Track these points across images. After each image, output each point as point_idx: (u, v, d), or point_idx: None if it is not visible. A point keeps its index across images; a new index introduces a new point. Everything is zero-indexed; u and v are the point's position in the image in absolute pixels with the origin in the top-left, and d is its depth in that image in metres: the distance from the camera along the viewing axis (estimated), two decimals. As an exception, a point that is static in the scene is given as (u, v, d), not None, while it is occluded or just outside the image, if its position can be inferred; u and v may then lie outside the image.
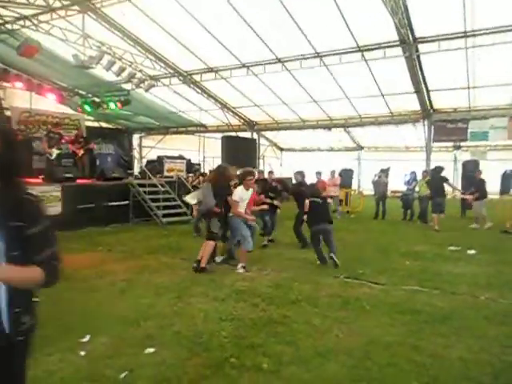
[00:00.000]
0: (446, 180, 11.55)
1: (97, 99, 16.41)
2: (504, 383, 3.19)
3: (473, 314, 4.75)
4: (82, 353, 3.65)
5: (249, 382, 3.19)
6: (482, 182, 11.68)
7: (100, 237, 9.69)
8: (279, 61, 13.47)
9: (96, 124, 19.83)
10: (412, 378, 3.26)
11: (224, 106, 18.49)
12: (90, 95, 17.34)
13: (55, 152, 11.23)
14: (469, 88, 13.41)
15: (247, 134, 20.46)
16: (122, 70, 13.28)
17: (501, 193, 15.31)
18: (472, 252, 8.29)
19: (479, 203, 11.54)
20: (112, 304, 4.94)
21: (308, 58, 13.03)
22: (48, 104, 15.75)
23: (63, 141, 12.60)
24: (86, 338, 3.93)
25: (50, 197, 9.92)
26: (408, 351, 3.73)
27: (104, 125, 20.59)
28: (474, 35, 10.61)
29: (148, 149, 24.11)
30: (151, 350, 3.69)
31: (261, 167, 19.09)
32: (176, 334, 4.08)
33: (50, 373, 3.28)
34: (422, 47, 11.58)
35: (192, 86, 16.25)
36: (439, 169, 11.61)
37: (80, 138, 13.52)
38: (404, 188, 13.88)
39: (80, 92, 17.63)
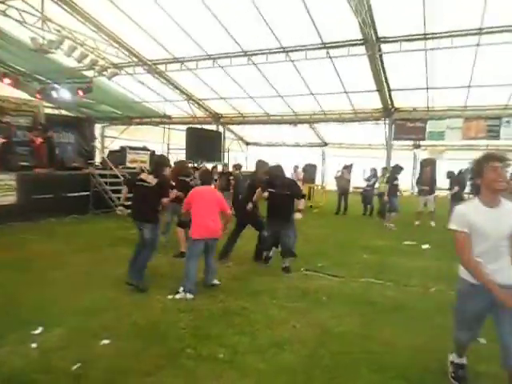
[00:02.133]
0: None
1: (57, 86, 15.84)
2: (448, 369, 3.37)
3: (423, 304, 4.98)
4: (34, 345, 3.57)
5: (204, 371, 3.23)
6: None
7: (58, 228, 9.43)
8: (245, 54, 13.45)
9: (56, 111, 19.11)
10: (363, 366, 3.40)
11: (189, 97, 18.27)
12: (49, 81, 16.70)
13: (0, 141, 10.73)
14: (427, 89, 13.89)
15: (212, 127, 20.34)
16: (84, 56, 12.84)
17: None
18: (426, 246, 8.65)
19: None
20: (68, 296, 4.83)
21: (274, 52, 13.08)
22: (3, 89, 15.01)
23: (13, 129, 12.03)
24: (39, 330, 3.84)
25: (5, 186, 9.53)
26: (360, 340, 3.88)
27: (65, 112, 19.89)
28: (433, 38, 10.99)
29: (111, 139, 23.50)
30: (106, 341, 3.66)
31: (225, 161, 19.02)
32: (133, 325, 4.05)
33: (-2, 365, 3.20)
34: (384, 47, 11.87)
35: (156, 75, 15.96)
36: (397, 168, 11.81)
37: (38, 125, 13.04)
38: (364, 184, 14.24)
39: (39, 77, 16.94)
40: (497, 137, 14.57)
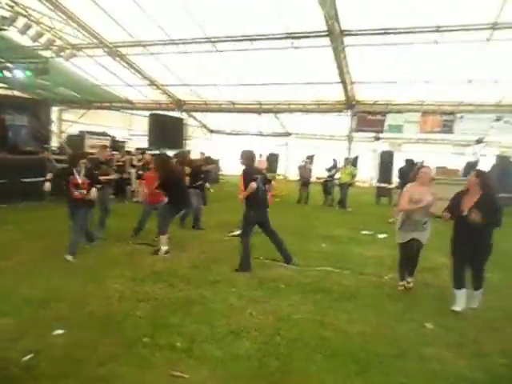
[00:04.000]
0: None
1: (10, 65, 15.02)
2: (396, 353, 3.54)
3: (376, 292, 5.18)
4: (-18, 336, 3.45)
5: (161, 360, 3.23)
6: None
7: (10, 215, 9.06)
8: (210, 40, 13.27)
9: (9, 92, 18.16)
10: (316, 352, 3.51)
11: (152, 82, 17.87)
12: (2, 60, 15.81)
13: None
14: (388, 83, 14.26)
15: (176, 114, 20.02)
16: (40, 35, 12.26)
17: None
18: (383, 236, 8.94)
19: None
20: (20, 285, 4.67)
21: (238, 39, 12.98)
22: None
23: None
24: (-12, 321, 3.72)
25: (-48, 170, 9.03)
26: (315, 327, 4.00)
27: (18, 94, 18.92)
28: (394, 33, 11.26)
29: (69, 123, 22.66)
30: (60, 331, 3.58)
31: (188, 148, 18.82)
32: (89, 314, 3.99)
33: None
34: (347, 40, 12.05)
35: (117, 59, 15.48)
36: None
37: (-11, 106, 12.38)
38: (326, 174, 14.52)
39: (-10, 55, 16.01)
40: (450, 131, 15.25)
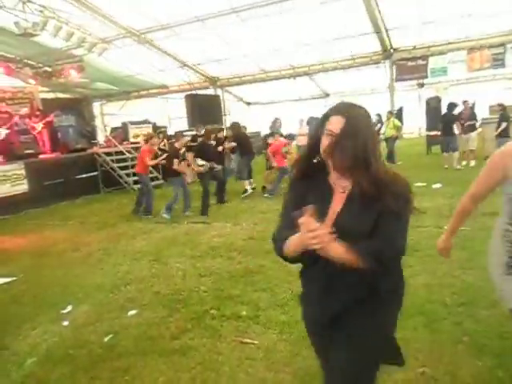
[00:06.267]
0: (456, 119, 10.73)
1: (48, 69, 15.60)
2: (464, 301, 3.45)
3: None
4: (65, 323, 3.73)
5: (229, 329, 3.35)
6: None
7: (71, 210, 9.60)
8: (234, 10, 12.99)
9: (52, 95, 18.93)
10: (381, 307, 3.49)
11: (183, 64, 17.90)
12: (40, 65, 16.44)
13: (3, 132, 10.87)
14: (425, 23, 13.35)
15: (211, 91, 20.02)
16: (71, 34, 12.55)
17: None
18: (437, 186, 8.60)
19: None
20: (90, 274, 4.99)
21: (263, 5, 12.60)
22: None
23: (16, 118, 11.99)
24: (68, 309, 4.01)
25: (13, 175, 9.65)
26: (377, 283, 3.96)
27: (60, 95, 19.69)
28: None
29: (110, 116, 23.34)
30: (133, 312, 3.81)
31: (228, 123, 18.83)
32: (156, 294, 4.19)
33: (34, 345, 3.37)
34: (377, -16, 11.37)
35: (147, 45, 15.59)
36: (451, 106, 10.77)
37: (36, 111, 12.98)
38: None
39: (29, 62, 16.66)
40: (502, 65, 14.12)
